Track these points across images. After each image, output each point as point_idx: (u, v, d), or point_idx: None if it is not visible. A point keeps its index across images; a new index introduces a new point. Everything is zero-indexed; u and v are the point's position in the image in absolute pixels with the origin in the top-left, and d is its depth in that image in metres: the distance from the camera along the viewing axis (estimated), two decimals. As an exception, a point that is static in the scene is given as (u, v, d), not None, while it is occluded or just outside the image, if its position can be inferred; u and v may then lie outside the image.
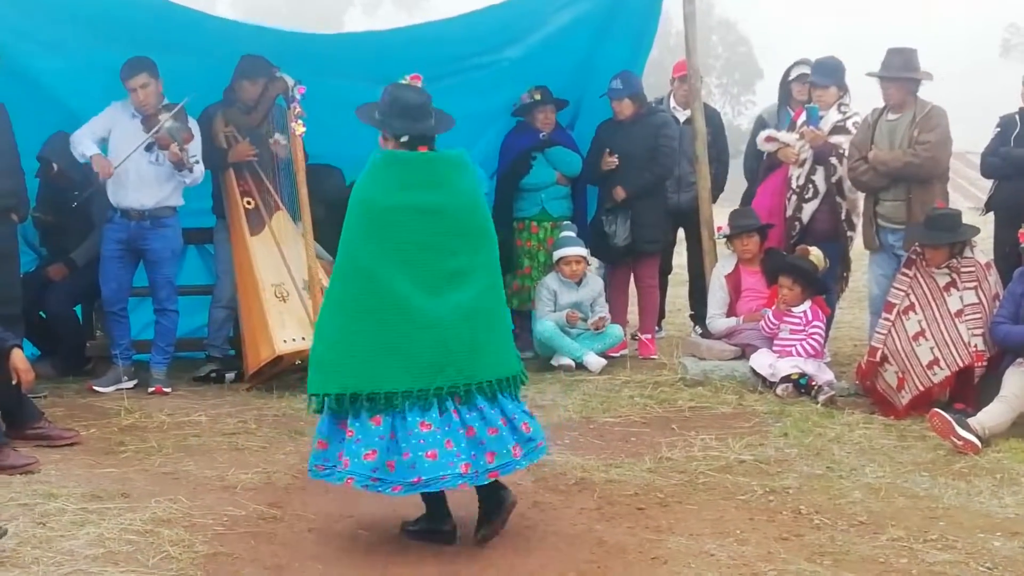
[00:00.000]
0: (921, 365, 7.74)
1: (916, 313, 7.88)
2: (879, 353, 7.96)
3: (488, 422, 5.15)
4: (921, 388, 7.72)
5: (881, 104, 8.70)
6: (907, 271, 8.00)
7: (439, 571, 5.05)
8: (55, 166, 8.75)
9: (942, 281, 7.84)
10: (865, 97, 9.33)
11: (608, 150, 9.63)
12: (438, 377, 5.07)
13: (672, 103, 10.47)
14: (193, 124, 8.52)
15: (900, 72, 8.50)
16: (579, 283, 9.55)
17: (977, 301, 7.74)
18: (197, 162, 8.47)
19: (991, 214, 8.90)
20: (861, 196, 8.96)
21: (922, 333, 7.81)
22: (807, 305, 8.64)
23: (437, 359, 5.07)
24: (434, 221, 5.15)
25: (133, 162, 8.36)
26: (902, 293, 7.96)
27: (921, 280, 7.92)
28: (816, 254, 8.75)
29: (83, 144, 8.31)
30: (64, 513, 5.68)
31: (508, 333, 5.53)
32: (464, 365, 5.12)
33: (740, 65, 70.97)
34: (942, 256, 7.84)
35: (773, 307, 8.78)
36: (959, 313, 7.73)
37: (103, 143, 8.40)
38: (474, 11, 9.48)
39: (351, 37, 9.94)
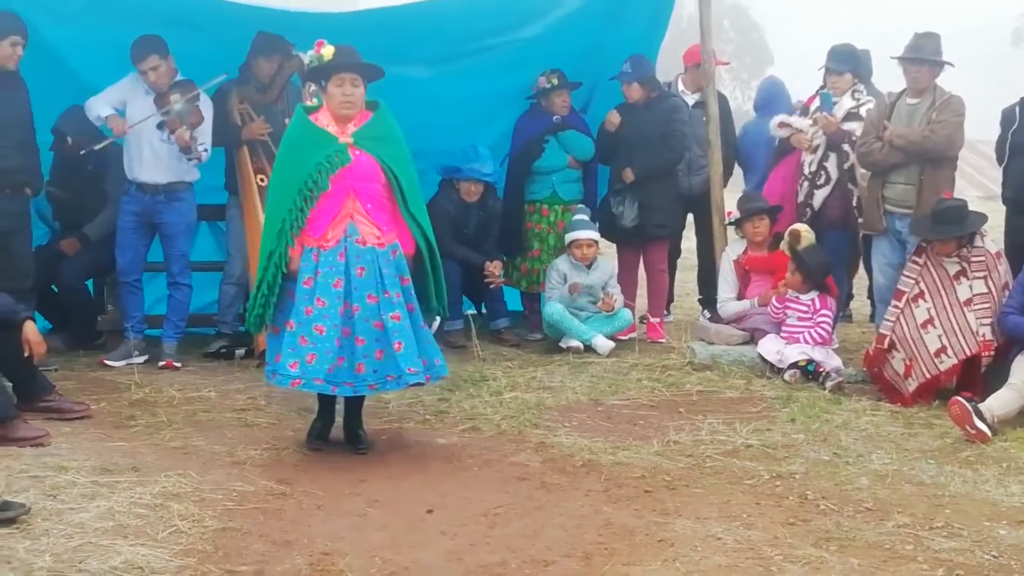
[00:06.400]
0: (928, 353, 7.75)
1: (925, 301, 7.89)
2: (887, 340, 7.98)
3: None
4: (928, 376, 7.74)
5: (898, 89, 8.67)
6: (917, 259, 8.01)
7: (447, 549, 5.08)
8: (69, 140, 8.75)
9: (952, 270, 7.85)
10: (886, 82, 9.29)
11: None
12: None
13: (680, 87, 10.46)
14: (206, 104, 8.53)
15: (932, 56, 8.44)
16: (590, 266, 9.55)
17: (986, 290, 7.75)
18: (205, 150, 8.50)
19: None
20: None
21: (930, 321, 7.83)
22: (815, 293, 8.66)
23: None
24: None
25: (148, 139, 8.41)
26: (912, 281, 7.97)
27: (931, 268, 7.93)
28: (807, 236, 8.77)
29: (99, 107, 8.38)
30: (74, 486, 5.71)
31: None
32: None
33: (751, 50, 70.79)
34: (951, 247, 7.85)
35: (776, 290, 8.83)
36: (968, 302, 7.74)
37: (117, 113, 8.43)
38: None
39: (366, 15, 9.90)
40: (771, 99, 10.91)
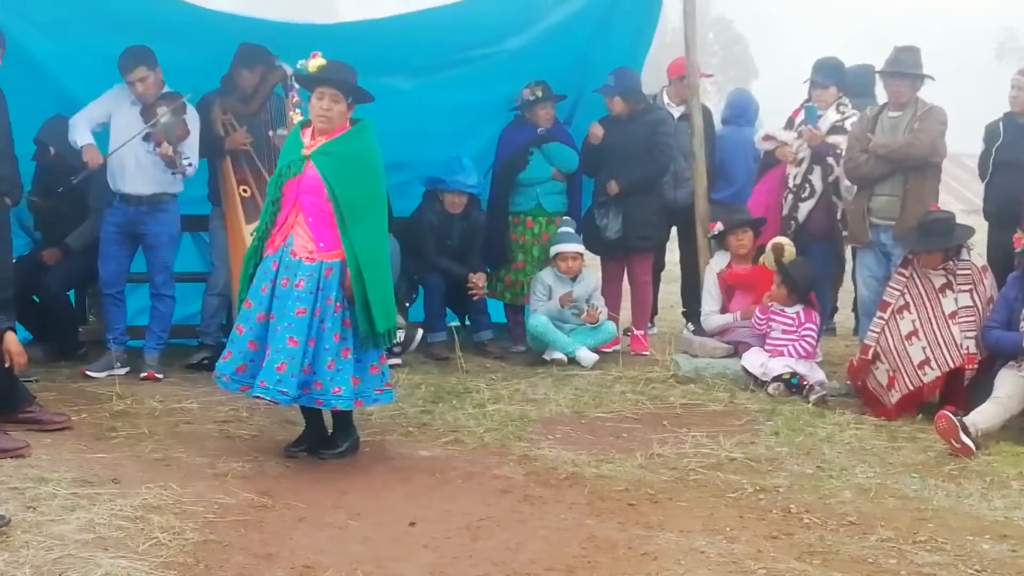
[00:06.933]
0: (912, 364, 7.76)
1: (910, 313, 7.90)
2: (871, 351, 7.98)
3: None
4: (911, 387, 7.75)
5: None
6: (904, 271, 8.02)
7: (429, 562, 5.06)
8: (52, 150, 8.70)
9: (938, 282, 7.86)
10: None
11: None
12: None
13: (666, 99, 10.46)
14: (193, 116, 8.48)
15: (912, 69, 8.48)
16: (574, 279, 9.53)
17: (972, 304, 7.77)
18: (190, 164, 8.45)
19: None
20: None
21: (915, 333, 7.84)
22: (800, 306, 8.65)
23: None
24: None
25: (133, 151, 8.35)
26: (897, 292, 7.98)
27: (917, 280, 7.94)
28: (789, 251, 8.78)
29: (78, 131, 8.31)
30: (55, 498, 5.67)
31: None
32: None
33: (736, 63, 71.01)
34: (937, 259, 7.86)
35: (760, 303, 8.83)
36: (953, 315, 7.75)
37: (103, 128, 8.39)
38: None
39: (350, 26, 9.87)
40: (743, 110, 10.95)
